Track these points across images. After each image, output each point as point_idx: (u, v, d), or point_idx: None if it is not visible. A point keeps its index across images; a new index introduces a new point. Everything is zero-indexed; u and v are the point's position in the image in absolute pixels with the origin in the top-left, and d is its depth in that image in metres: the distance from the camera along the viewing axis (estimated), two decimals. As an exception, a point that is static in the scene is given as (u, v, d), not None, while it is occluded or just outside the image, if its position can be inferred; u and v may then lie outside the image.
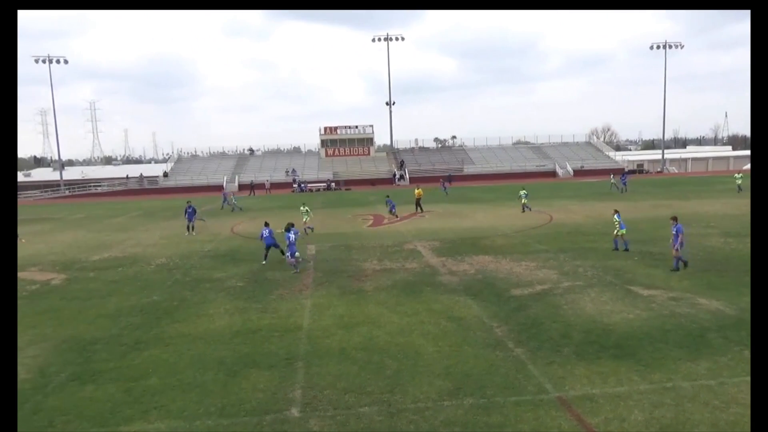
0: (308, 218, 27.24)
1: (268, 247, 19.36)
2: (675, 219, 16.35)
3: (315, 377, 9.32)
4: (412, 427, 7.57)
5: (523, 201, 32.50)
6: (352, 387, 8.89)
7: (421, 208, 34.12)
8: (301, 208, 28.16)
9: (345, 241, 23.66)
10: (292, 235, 17.82)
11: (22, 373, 9.82)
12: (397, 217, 32.00)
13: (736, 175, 42.55)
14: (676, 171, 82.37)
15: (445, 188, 48.20)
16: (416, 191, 35.23)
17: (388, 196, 35.71)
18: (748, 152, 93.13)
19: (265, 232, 19.28)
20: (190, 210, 27.99)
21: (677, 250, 15.86)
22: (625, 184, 44.58)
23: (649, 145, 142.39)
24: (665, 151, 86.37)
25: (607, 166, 74.78)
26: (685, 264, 15.96)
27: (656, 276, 15.49)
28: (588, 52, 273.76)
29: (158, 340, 11.52)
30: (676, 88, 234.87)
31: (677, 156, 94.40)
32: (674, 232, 15.98)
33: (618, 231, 19.20)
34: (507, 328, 11.51)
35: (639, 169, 78.67)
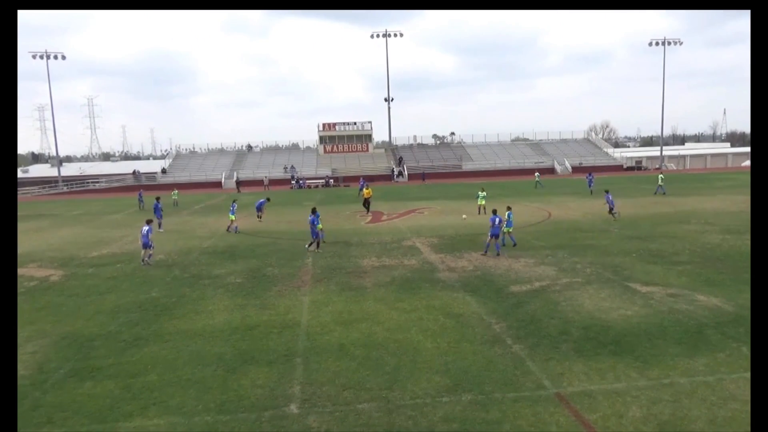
0: (234, 217, 26.86)
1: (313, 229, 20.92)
2: (494, 211, 19.22)
3: (314, 373, 9.34)
4: (411, 423, 7.59)
5: (480, 202, 31.06)
6: (351, 383, 8.90)
7: (368, 209, 33.10)
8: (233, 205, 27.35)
9: (343, 238, 23.65)
10: (145, 228, 18.56)
11: (21, 370, 9.82)
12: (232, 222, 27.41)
13: (660, 176, 40.58)
14: (675, 168, 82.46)
15: (361, 187, 49.65)
16: (365, 191, 34.23)
17: (235, 201, 30.36)
18: (746, 149, 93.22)
19: (311, 218, 20.92)
20: (158, 206, 28.36)
21: (492, 237, 18.60)
22: (591, 184, 42.38)
23: (648, 141, 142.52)
24: (664, 147, 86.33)
25: (606, 163, 74.93)
26: (498, 253, 18.63)
27: (655, 272, 15.52)
28: (587, 49, 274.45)
29: (157, 337, 11.53)
30: (675, 85, 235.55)
31: (675, 153, 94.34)
32: (491, 222, 18.69)
33: (505, 228, 20.23)
34: (505, 324, 11.53)
35: (638, 166, 78.64)
